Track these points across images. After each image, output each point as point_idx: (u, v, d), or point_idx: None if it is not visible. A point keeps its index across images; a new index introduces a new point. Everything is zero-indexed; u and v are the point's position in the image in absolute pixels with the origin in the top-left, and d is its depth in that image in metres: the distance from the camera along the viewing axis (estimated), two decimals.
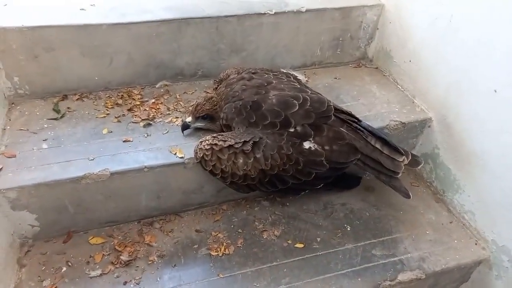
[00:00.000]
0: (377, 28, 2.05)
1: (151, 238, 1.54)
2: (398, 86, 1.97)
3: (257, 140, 1.44)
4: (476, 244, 1.62)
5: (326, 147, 1.51)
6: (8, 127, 1.54)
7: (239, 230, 1.61)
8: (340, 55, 2.09)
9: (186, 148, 1.51)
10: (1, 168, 1.35)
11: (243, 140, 1.43)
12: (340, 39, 2.03)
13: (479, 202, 1.62)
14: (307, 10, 1.87)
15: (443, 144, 1.75)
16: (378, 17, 2.01)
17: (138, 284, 1.39)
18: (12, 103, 1.64)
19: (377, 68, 2.12)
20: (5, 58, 1.56)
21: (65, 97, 1.72)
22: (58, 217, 1.45)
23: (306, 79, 2.00)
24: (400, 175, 1.58)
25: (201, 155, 1.44)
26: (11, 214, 1.36)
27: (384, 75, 2.06)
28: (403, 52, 1.91)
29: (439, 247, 1.60)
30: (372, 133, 1.59)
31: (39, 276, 1.38)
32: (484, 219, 1.61)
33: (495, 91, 1.44)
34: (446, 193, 1.77)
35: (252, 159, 1.43)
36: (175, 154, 1.49)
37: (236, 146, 1.42)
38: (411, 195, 1.61)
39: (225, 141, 1.43)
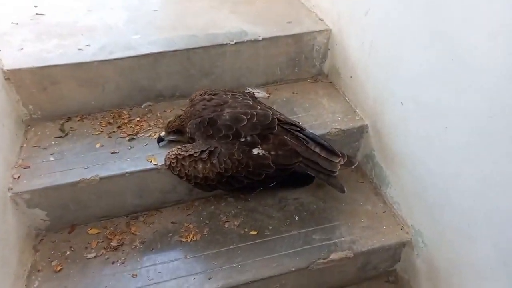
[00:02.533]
0: (329, 49, 2.38)
1: (136, 229, 1.94)
2: (346, 98, 2.30)
3: (213, 149, 1.81)
4: (401, 229, 1.93)
5: (272, 152, 1.86)
6: (25, 145, 1.97)
7: (206, 222, 1.98)
8: (298, 72, 2.42)
9: (160, 157, 1.90)
10: (19, 177, 1.79)
11: (201, 149, 1.81)
12: (296, 59, 2.36)
13: (402, 194, 1.94)
14: (263, 39, 2.23)
15: (376, 146, 2.07)
16: (328, 40, 2.33)
17: (123, 263, 1.79)
18: (28, 125, 2.08)
19: (331, 82, 2.44)
20: (21, 91, 1.99)
21: (69, 119, 2.09)
22: (62, 213, 1.87)
23: (268, 94, 2.36)
24: (336, 173, 1.91)
25: (168, 163, 1.83)
26: (27, 211, 1.79)
27: (335, 89, 2.39)
28: (346, 69, 2.23)
29: (369, 232, 1.92)
30: (313, 139, 1.93)
31: (49, 258, 1.80)
32: (406, 208, 1.92)
33: (402, 103, 1.77)
34: (381, 188, 2.09)
35: (209, 164, 1.81)
36: (151, 161, 1.89)
37: (195, 155, 1.80)
38: (345, 190, 1.93)
39: (187, 151, 1.82)
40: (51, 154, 1.93)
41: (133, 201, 1.95)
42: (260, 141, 1.85)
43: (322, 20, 2.40)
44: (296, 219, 2.00)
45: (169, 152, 1.85)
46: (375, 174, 2.13)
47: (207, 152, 1.81)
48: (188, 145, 1.88)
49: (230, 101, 1.96)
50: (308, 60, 2.40)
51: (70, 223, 1.93)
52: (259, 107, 1.99)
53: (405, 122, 1.78)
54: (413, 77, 1.66)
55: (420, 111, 1.65)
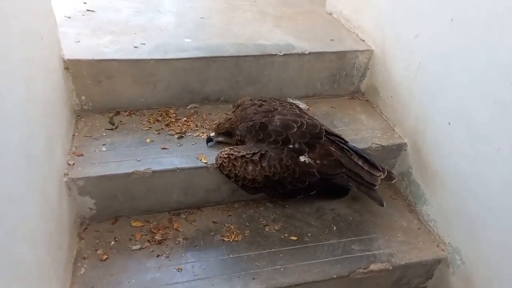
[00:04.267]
0: (368, 68, 2.48)
1: (178, 225, 1.96)
2: (383, 116, 2.39)
3: (264, 152, 1.87)
4: (437, 246, 1.99)
5: (318, 161, 1.93)
6: (76, 134, 2.01)
7: (247, 224, 2.02)
8: (337, 88, 2.52)
9: (209, 156, 1.95)
10: (73, 164, 1.82)
11: (252, 152, 1.87)
12: (337, 76, 2.46)
13: (439, 212, 2.00)
14: (309, 53, 2.32)
15: (415, 164, 2.14)
16: (369, 60, 2.44)
17: (168, 257, 1.81)
18: (78, 116, 2.11)
19: (367, 100, 2.54)
20: (77, 82, 2.04)
21: (118, 113, 2.14)
22: (110, 203, 1.89)
23: (308, 107, 2.44)
24: (377, 187, 1.98)
25: (220, 162, 1.89)
26: (77, 198, 1.81)
27: (372, 107, 2.49)
28: (386, 88, 2.33)
29: (406, 247, 1.97)
30: (356, 152, 2.00)
31: (94, 247, 1.81)
32: (443, 226, 1.98)
33: (449, 124, 1.86)
34: (417, 205, 2.16)
35: (259, 167, 1.87)
36: (201, 160, 1.94)
37: (247, 156, 1.86)
38: (384, 204, 1.99)
39: (239, 152, 1.87)
40: (103, 145, 1.96)
41: (178, 197, 1.98)
42: (307, 149, 1.92)
43: (364, 41, 2.51)
44: (334, 228, 2.04)
45: (221, 152, 1.90)
46: (411, 191, 2.20)
47: (258, 154, 1.87)
48: (239, 146, 1.94)
49: (279, 108, 2.04)
50: (348, 77, 2.49)
51: (114, 214, 1.95)
52: (306, 116, 2.06)
53: (451, 142, 1.85)
54: (463, 97, 1.75)
55: (470, 131, 1.73)
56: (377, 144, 2.16)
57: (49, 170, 1.56)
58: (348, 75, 2.48)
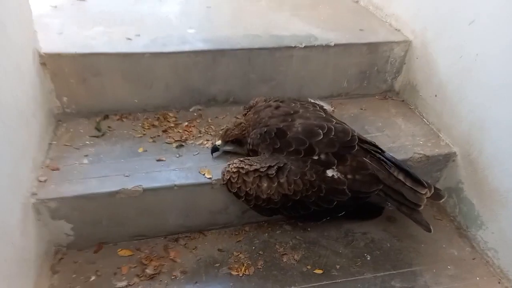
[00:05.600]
0: (404, 63, 2.11)
1: (176, 254, 1.61)
2: (424, 119, 2.01)
3: (282, 165, 1.51)
4: (499, 283, 1.60)
5: (349, 176, 1.55)
6: (54, 142, 1.68)
7: (260, 252, 1.66)
8: (366, 87, 2.15)
9: (214, 170, 1.60)
10: (45, 180, 1.48)
11: (268, 164, 1.51)
12: (367, 72, 2.10)
13: (501, 239, 1.60)
14: (335, 45, 1.96)
15: (467, 179, 1.75)
16: (406, 53, 2.07)
17: None
18: (59, 120, 1.79)
19: (403, 101, 2.16)
20: (57, 80, 1.71)
21: (106, 117, 1.85)
22: (92, 228, 1.55)
23: (333, 108, 2.06)
24: (422, 207, 1.60)
25: (228, 177, 1.52)
26: (50, 223, 1.47)
27: (410, 108, 2.10)
28: (429, 87, 1.95)
29: (460, 283, 1.59)
30: (396, 164, 1.63)
31: (69, 284, 1.47)
32: (507, 258, 1.59)
33: None
34: (470, 229, 1.76)
35: (276, 184, 1.50)
36: (204, 174, 1.58)
37: (262, 170, 1.50)
38: (432, 229, 1.62)
39: (251, 165, 1.51)
40: (85, 156, 1.63)
41: (176, 220, 1.63)
42: (336, 161, 1.54)
43: (399, 30, 2.13)
44: (368, 258, 1.67)
45: (229, 165, 1.54)
46: (461, 211, 1.80)
47: (275, 168, 1.50)
48: (251, 157, 1.57)
49: (300, 110, 1.67)
50: (380, 74, 2.12)
51: (97, 240, 1.61)
52: (334, 120, 1.68)
53: None
54: None
55: None
56: (420, 153, 1.78)
57: (10, 191, 1.21)
58: (381, 71, 2.11)
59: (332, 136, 1.56)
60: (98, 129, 1.78)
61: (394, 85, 2.19)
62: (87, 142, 1.71)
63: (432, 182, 1.87)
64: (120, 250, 1.61)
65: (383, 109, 2.10)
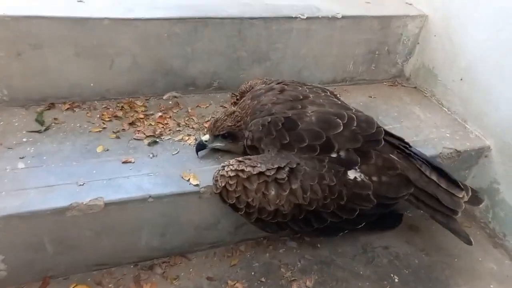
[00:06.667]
0: (418, 43, 1.84)
1: (151, 287, 1.21)
2: (444, 108, 1.74)
3: (294, 166, 1.14)
4: None
5: (374, 178, 1.23)
6: None
7: (262, 279, 1.31)
8: (374, 71, 1.87)
9: (202, 174, 1.22)
10: None
11: (276, 166, 1.13)
12: (376, 52, 1.82)
13: None
14: (343, 17, 1.63)
15: (505, 178, 1.49)
16: (420, 30, 1.80)
17: None
18: None
19: (415, 87, 1.88)
20: None
21: (52, 106, 1.49)
22: (32, 258, 1.15)
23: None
24: (459, 215, 1.29)
25: (223, 184, 1.13)
26: None
27: (425, 96, 1.83)
28: (451, 69, 1.68)
29: None
30: (427, 162, 1.31)
31: None
32: None
33: None
34: (508, 237, 1.49)
35: (287, 191, 1.13)
36: (188, 180, 1.19)
37: (268, 173, 1.12)
38: (472, 241, 1.32)
39: (253, 166, 1.14)
40: (20, 158, 1.24)
41: (151, 241, 1.25)
42: (359, 160, 1.19)
43: (411, 4, 1.82)
44: (396, 280, 1.36)
45: (223, 167, 1.16)
46: (496, 216, 1.55)
47: (286, 169, 1.13)
48: (252, 157, 1.19)
49: (311, 95, 1.33)
50: (391, 55, 1.85)
51: (42, 273, 1.20)
52: (354, 108, 1.33)
53: None
54: None
55: None
56: (450, 148, 1.49)
57: None
58: (391, 51, 1.84)
59: (354, 127, 1.23)
60: (40, 122, 1.41)
61: (405, 70, 1.93)
62: (24, 140, 1.32)
63: None
64: (74, 285, 1.22)
65: (395, 97, 1.82)
